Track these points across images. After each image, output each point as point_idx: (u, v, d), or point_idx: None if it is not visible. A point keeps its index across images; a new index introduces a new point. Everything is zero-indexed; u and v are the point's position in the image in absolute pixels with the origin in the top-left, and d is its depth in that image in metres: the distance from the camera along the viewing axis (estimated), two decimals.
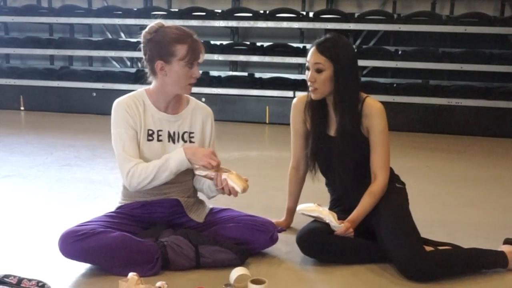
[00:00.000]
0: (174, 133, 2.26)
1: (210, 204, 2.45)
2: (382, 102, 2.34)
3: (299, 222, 2.53)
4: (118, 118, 2.17)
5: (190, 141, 2.28)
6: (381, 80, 6.75)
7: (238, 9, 7.17)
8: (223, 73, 7.29)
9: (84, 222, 2.14)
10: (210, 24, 6.90)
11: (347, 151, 2.32)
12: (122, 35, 7.89)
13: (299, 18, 6.79)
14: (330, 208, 2.42)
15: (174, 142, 2.25)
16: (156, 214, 2.25)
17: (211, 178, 2.16)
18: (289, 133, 2.58)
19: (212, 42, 6.99)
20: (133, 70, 7.41)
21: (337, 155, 2.34)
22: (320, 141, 2.39)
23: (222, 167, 2.15)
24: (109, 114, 2.20)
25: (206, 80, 6.79)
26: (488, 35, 6.43)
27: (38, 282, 1.83)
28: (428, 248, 2.20)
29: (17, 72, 7.43)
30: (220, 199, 2.46)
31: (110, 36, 7.86)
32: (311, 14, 6.86)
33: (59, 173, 3.82)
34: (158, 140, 2.23)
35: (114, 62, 7.92)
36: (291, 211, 2.64)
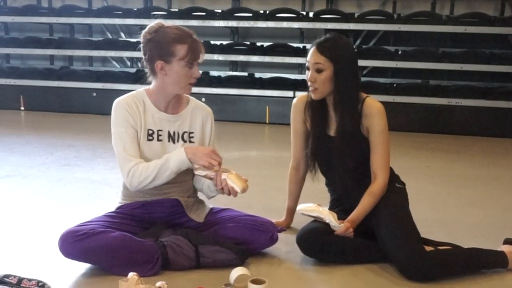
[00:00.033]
0: (174, 133, 2.26)
1: (210, 204, 2.45)
2: (382, 102, 2.34)
3: (299, 222, 2.53)
4: (118, 118, 2.17)
5: (190, 141, 2.28)
6: (381, 80, 6.75)
7: (238, 9, 7.17)
8: (223, 73, 7.30)
9: (84, 222, 2.15)
10: (210, 24, 6.90)
11: (347, 151, 2.32)
12: (122, 35, 7.89)
13: (299, 18, 6.79)
14: (330, 208, 2.43)
15: (174, 142, 2.25)
16: (156, 214, 2.25)
17: (210, 178, 2.16)
18: (289, 133, 2.58)
19: (212, 42, 6.99)
20: (133, 70, 7.41)
21: (337, 155, 2.34)
22: (320, 141, 2.39)
23: (221, 167, 2.15)
24: (109, 114, 2.20)
25: (206, 80, 6.79)
26: (488, 35, 6.43)
27: (38, 282, 1.83)
28: (428, 248, 2.20)
29: (17, 72, 7.43)
30: (220, 199, 2.46)
31: (110, 36, 7.86)
32: (311, 14, 6.87)
33: (59, 173, 3.83)
34: (158, 140, 2.23)
35: (114, 62, 7.93)
36: (291, 211, 2.64)
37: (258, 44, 7.08)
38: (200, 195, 2.43)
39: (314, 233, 2.23)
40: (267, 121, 6.60)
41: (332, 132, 2.37)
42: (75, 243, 2.01)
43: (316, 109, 2.39)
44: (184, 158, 2.11)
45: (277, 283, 2.05)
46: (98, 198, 3.21)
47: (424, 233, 2.30)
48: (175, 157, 2.12)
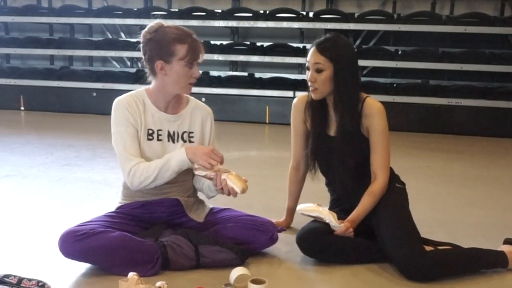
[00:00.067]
0: (173, 132, 2.26)
1: (210, 204, 2.45)
2: (382, 102, 2.35)
3: (299, 222, 2.53)
4: (119, 117, 2.17)
5: (190, 141, 2.28)
6: (381, 80, 6.75)
7: (238, 9, 7.17)
8: (223, 73, 7.30)
9: (84, 222, 2.15)
10: (210, 24, 6.90)
11: (347, 151, 2.33)
12: (122, 35, 7.90)
13: (299, 18, 6.79)
14: (330, 208, 2.43)
15: (173, 142, 2.25)
16: (156, 214, 2.25)
17: (210, 178, 2.16)
18: (289, 133, 2.58)
19: (212, 42, 6.99)
20: (133, 70, 7.42)
21: (337, 155, 2.34)
22: (320, 141, 2.39)
23: (221, 167, 2.15)
24: (109, 114, 2.20)
25: (206, 80, 6.79)
26: (488, 35, 6.43)
27: (38, 282, 1.83)
28: (428, 248, 2.20)
29: (17, 72, 7.43)
30: (220, 199, 2.46)
31: (110, 36, 7.87)
32: (311, 14, 6.87)
33: (59, 173, 3.83)
34: (158, 140, 2.23)
35: (114, 62, 7.93)
36: (291, 211, 2.64)
37: (258, 44, 7.08)
38: (200, 195, 2.43)
39: (314, 233, 2.23)
40: (267, 121, 6.60)
41: (332, 132, 2.38)
42: (75, 243, 2.01)
43: (316, 109, 2.39)
44: (185, 158, 2.11)
45: (277, 283, 2.05)
46: (98, 198, 3.22)
47: (424, 233, 2.30)
48: (176, 157, 2.12)
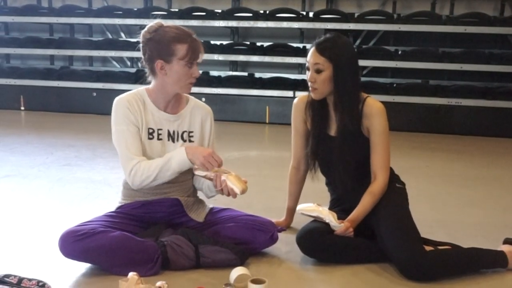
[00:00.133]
0: (173, 132, 2.26)
1: (210, 204, 2.45)
2: (382, 102, 2.35)
3: (299, 222, 2.53)
4: (120, 115, 2.17)
5: (190, 140, 2.28)
6: (381, 80, 6.75)
7: (238, 9, 7.17)
8: (223, 73, 7.30)
9: (84, 222, 2.15)
10: (210, 24, 6.90)
11: (347, 151, 2.33)
12: (122, 35, 7.90)
13: (299, 18, 6.79)
14: (330, 208, 2.43)
15: (173, 141, 2.25)
16: (156, 214, 2.25)
17: (210, 179, 2.16)
18: (289, 133, 2.58)
19: (212, 42, 6.99)
20: (133, 70, 7.42)
21: (337, 155, 2.35)
22: (320, 141, 2.39)
23: (221, 168, 2.16)
24: (110, 114, 2.20)
25: (206, 80, 6.79)
26: (488, 35, 6.44)
27: (39, 281, 1.83)
28: (428, 248, 2.20)
29: (17, 72, 7.43)
30: (220, 199, 2.47)
31: (110, 36, 7.87)
32: (311, 14, 6.87)
33: (59, 173, 3.83)
34: (158, 139, 2.23)
35: (114, 62, 7.93)
36: (291, 211, 2.64)
37: (258, 44, 7.08)
38: (200, 195, 2.43)
39: (314, 233, 2.24)
40: (267, 121, 6.60)
41: (332, 132, 2.38)
42: (75, 243, 2.01)
43: (316, 109, 2.39)
44: (185, 158, 2.11)
45: (277, 283, 2.06)
46: (98, 198, 3.22)
47: (424, 233, 2.30)
48: (177, 157, 2.12)
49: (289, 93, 6.49)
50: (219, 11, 7.04)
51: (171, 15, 6.79)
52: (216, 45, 6.97)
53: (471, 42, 6.58)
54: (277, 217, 2.63)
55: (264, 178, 3.79)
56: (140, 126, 2.20)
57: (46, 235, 2.50)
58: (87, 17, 7.41)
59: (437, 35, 6.72)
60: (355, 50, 2.52)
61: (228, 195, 2.15)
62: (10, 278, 1.81)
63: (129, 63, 7.91)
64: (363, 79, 6.61)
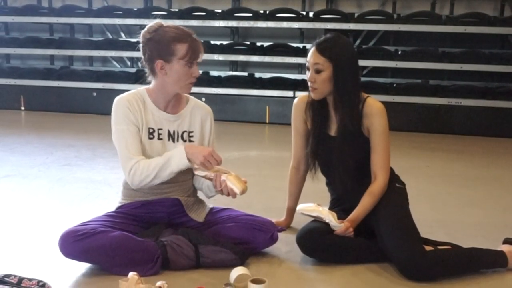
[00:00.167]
0: (174, 132, 2.26)
1: (210, 204, 2.45)
2: (382, 102, 2.35)
3: (299, 222, 2.54)
4: (120, 115, 2.17)
5: (190, 140, 2.29)
6: (381, 80, 6.76)
7: (238, 9, 7.17)
8: (223, 73, 7.30)
9: (84, 222, 2.15)
10: (210, 24, 6.90)
11: (347, 151, 2.33)
12: (122, 35, 7.90)
13: (299, 18, 6.79)
14: (330, 208, 2.43)
15: (174, 141, 2.25)
16: (156, 214, 2.25)
17: (210, 179, 2.16)
18: (289, 133, 2.58)
19: (212, 42, 6.99)
20: (133, 70, 7.42)
21: (338, 155, 2.35)
22: (320, 141, 2.39)
23: (221, 168, 2.16)
24: (110, 114, 2.20)
25: (206, 80, 6.79)
26: (488, 35, 6.43)
27: (39, 281, 1.83)
28: (428, 248, 2.20)
29: (17, 72, 7.43)
30: (220, 199, 2.47)
31: (110, 36, 7.87)
32: (311, 14, 6.87)
33: (59, 173, 3.83)
34: (159, 139, 2.23)
35: (115, 62, 7.93)
36: (291, 211, 2.64)
37: (258, 44, 7.08)
38: (200, 195, 2.43)
39: (314, 233, 2.24)
40: (267, 121, 6.60)
41: (332, 132, 2.38)
42: (75, 243, 2.01)
43: (317, 109, 2.39)
44: (185, 157, 2.11)
45: (277, 283, 2.06)
46: (98, 198, 3.22)
47: (424, 233, 2.30)
48: (176, 156, 2.12)
49: (289, 93, 6.49)
50: (219, 11, 7.04)
51: (171, 15, 6.79)
52: (216, 45, 6.97)
53: (471, 42, 6.58)
54: (277, 217, 2.63)
55: (264, 178, 3.79)
56: (140, 126, 2.20)
57: (46, 235, 2.50)
58: (87, 17, 7.41)
59: (437, 35, 6.72)
60: (355, 50, 2.52)
61: (228, 195, 2.15)
62: (10, 278, 1.81)
63: (129, 63, 7.91)
64: (363, 79, 6.61)
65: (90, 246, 2.01)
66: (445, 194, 3.57)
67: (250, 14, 6.89)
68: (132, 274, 1.83)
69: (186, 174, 2.28)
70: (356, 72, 2.35)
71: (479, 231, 2.77)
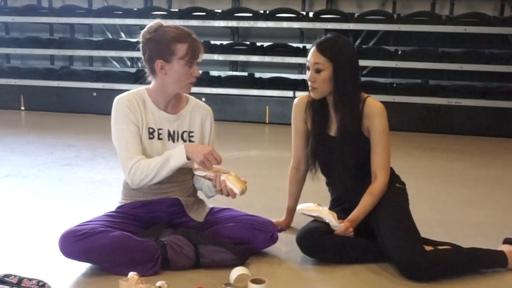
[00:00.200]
0: (174, 132, 2.26)
1: (210, 204, 2.45)
2: (382, 102, 2.35)
3: (299, 222, 2.54)
4: (120, 114, 2.17)
5: (190, 140, 2.29)
6: (381, 80, 6.76)
7: (238, 9, 7.17)
8: (223, 73, 7.30)
9: (85, 222, 2.15)
10: (210, 24, 6.90)
11: (347, 151, 2.33)
12: (122, 35, 7.90)
13: (299, 18, 6.79)
14: (330, 208, 2.43)
15: (174, 141, 2.25)
16: (156, 214, 2.25)
17: (210, 179, 2.16)
18: (289, 133, 2.58)
19: (212, 42, 6.99)
20: (133, 70, 7.43)
21: (338, 155, 2.35)
22: (320, 141, 2.40)
23: (221, 168, 2.16)
24: (110, 114, 2.20)
25: (206, 80, 6.80)
26: (488, 35, 6.44)
27: (39, 281, 1.83)
28: (428, 248, 2.20)
29: (17, 72, 7.43)
30: (220, 199, 2.47)
31: (110, 36, 7.87)
32: (311, 14, 6.87)
33: (59, 172, 3.83)
34: (159, 139, 2.23)
35: (115, 62, 7.93)
36: (291, 211, 2.64)
37: (258, 44, 7.08)
38: (200, 195, 2.43)
39: (314, 233, 2.24)
40: (267, 121, 6.60)
41: (332, 132, 2.38)
42: (76, 243, 2.01)
43: (317, 109, 2.39)
44: (185, 156, 2.11)
45: (277, 282, 2.06)
46: (98, 198, 3.22)
47: (424, 233, 2.30)
48: (176, 155, 2.11)
49: (289, 93, 6.50)
50: (219, 11, 7.04)
51: (171, 15, 6.79)
52: (216, 45, 6.97)
53: (471, 42, 6.58)
54: (277, 217, 2.63)
55: (264, 178, 3.79)
56: (141, 125, 2.20)
57: (46, 235, 2.50)
58: (87, 17, 7.41)
59: (437, 35, 6.72)
60: (356, 50, 2.52)
61: (228, 195, 2.15)
62: (10, 278, 1.81)
63: (129, 63, 7.91)
64: (363, 79, 6.61)
65: (90, 246, 2.01)
66: (445, 194, 3.57)
67: (250, 14, 6.89)
68: (132, 274, 1.83)
69: (186, 174, 2.28)
70: (356, 72, 2.35)
71: (479, 231, 2.77)
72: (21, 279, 1.81)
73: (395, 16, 6.74)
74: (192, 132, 2.30)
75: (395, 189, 2.37)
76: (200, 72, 2.22)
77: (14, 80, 7.28)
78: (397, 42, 6.99)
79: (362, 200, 2.30)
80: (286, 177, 2.64)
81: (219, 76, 7.13)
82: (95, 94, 7.00)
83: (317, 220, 2.27)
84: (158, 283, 1.83)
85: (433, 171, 4.29)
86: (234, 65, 7.53)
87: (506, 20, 6.35)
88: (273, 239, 2.27)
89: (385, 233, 2.20)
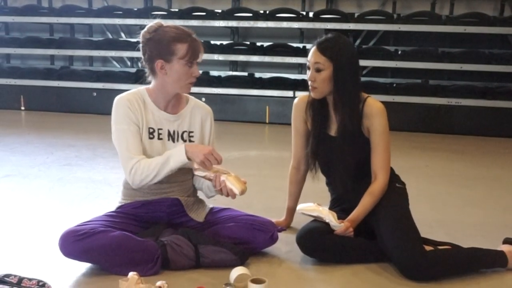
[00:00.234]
0: (174, 132, 2.26)
1: (210, 204, 2.45)
2: (382, 102, 2.35)
3: (299, 222, 2.54)
4: (120, 114, 2.17)
5: (190, 140, 2.29)
6: (381, 80, 6.76)
7: (238, 9, 7.17)
8: (223, 73, 7.30)
9: (85, 222, 2.15)
10: (210, 24, 6.90)
11: (347, 151, 2.33)
12: (123, 35, 7.90)
13: (299, 18, 6.79)
14: (330, 208, 2.43)
15: (174, 141, 2.26)
16: (156, 214, 2.25)
17: (210, 179, 2.16)
18: (289, 133, 2.58)
19: (212, 42, 7.00)
20: (133, 70, 7.43)
21: (338, 155, 2.35)
22: (320, 141, 2.40)
23: (221, 168, 2.16)
24: (110, 114, 2.20)
25: (206, 80, 6.80)
26: (488, 35, 6.44)
27: (39, 281, 1.83)
28: (428, 248, 2.20)
29: (17, 72, 7.43)
30: (220, 199, 2.46)
31: (110, 36, 7.87)
32: (311, 14, 6.87)
33: (59, 172, 3.83)
34: (159, 139, 2.23)
35: (115, 62, 7.93)
36: (291, 211, 2.64)
37: (258, 44, 7.08)
38: (200, 195, 2.43)
39: (314, 233, 2.24)
40: (267, 121, 6.61)
41: (333, 132, 2.38)
42: (76, 243, 2.01)
43: (317, 109, 2.39)
44: (184, 155, 2.11)
45: (277, 282, 2.06)
46: (98, 198, 3.22)
47: (424, 233, 2.30)
48: (176, 155, 2.12)
49: (289, 93, 6.50)
50: (219, 11, 7.04)
51: (171, 15, 6.79)
52: (216, 45, 6.97)
53: (471, 42, 6.58)
54: (277, 217, 2.63)
55: (264, 178, 3.79)
56: (141, 125, 2.20)
57: (46, 235, 2.50)
58: (87, 17, 7.41)
59: (437, 35, 6.72)
60: (356, 50, 2.52)
61: (227, 195, 2.15)
62: (10, 277, 1.81)
63: (129, 63, 7.91)
64: (363, 79, 6.60)
65: (90, 246, 2.01)
66: (445, 194, 3.58)
67: (250, 14, 6.89)
68: (132, 274, 1.83)
69: (186, 174, 2.28)
70: (356, 72, 2.35)
71: (479, 231, 2.77)
72: (21, 279, 1.81)
73: (395, 16, 6.74)
74: (192, 132, 2.30)
75: (395, 189, 2.37)
76: (200, 72, 2.22)
77: (14, 80, 7.28)
78: (397, 42, 6.99)
79: (362, 200, 2.30)
80: (286, 177, 2.64)
81: (219, 76, 7.13)
82: (95, 94, 7.00)
83: (317, 220, 2.27)
84: (158, 283, 1.83)
85: (433, 171, 4.29)
86: (234, 65, 7.53)
87: (506, 20, 6.35)
88: (273, 239, 2.27)
89: (385, 233, 2.20)
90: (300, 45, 7.03)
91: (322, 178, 2.54)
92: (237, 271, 1.96)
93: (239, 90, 6.74)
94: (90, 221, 2.16)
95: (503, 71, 6.28)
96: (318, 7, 7.24)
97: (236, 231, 2.22)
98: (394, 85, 6.64)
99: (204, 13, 6.97)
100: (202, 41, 2.22)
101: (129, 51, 7.06)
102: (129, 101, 2.19)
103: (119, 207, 2.28)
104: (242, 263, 2.13)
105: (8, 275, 1.82)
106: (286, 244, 2.41)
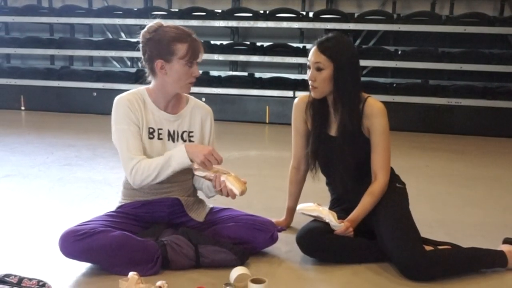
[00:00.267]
0: (174, 132, 2.26)
1: (210, 204, 2.45)
2: (382, 102, 2.35)
3: (299, 222, 2.54)
4: (120, 114, 2.17)
5: (190, 140, 2.29)
6: (381, 80, 6.76)
7: (238, 9, 7.17)
8: (223, 73, 7.30)
9: (85, 222, 2.15)
10: (210, 24, 6.90)
11: (347, 151, 2.33)
12: (123, 35, 7.90)
13: (299, 18, 6.79)
14: (330, 208, 2.43)
15: (174, 141, 2.26)
16: (156, 213, 2.25)
17: (210, 179, 2.16)
18: (289, 132, 2.58)
19: (212, 42, 6.99)
20: (133, 70, 7.42)
21: (338, 155, 2.35)
22: (321, 141, 2.40)
23: (221, 168, 2.16)
24: (110, 114, 2.20)
25: (206, 80, 6.80)
26: (488, 35, 6.44)
27: (39, 281, 1.83)
28: (428, 248, 2.20)
29: (17, 72, 7.43)
30: (220, 199, 2.46)
31: (110, 36, 7.87)
32: (311, 14, 6.87)
33: (59, 172, 3.83)
34: (159, 139, 2.23)
35: (115, 62, 7.93)
36: (291, 211, 2.64)
37: (258, 44, 7.08)
38: (200, 194, 2.43)
39: (314, 233, 2.24)
40: (267, 121, 6.61)
41: (333, 132, 2.38)
42: (76, 243, 2.01)
43: (317, 108, 2.39)
44: (186, 156, 2.11)
45: (277, 282, 2.06)
46: (98, 198, 3.22)
47: (424, 233, 2.31)
48: (177, 156, 2.12)
49: (289, 93, 6.50)
50: (219, 11, 7.04)
51: (171, 15, 6.79)
52: (216, 45, 6.97)
53: (471, 42, 6.58)
54: (277, 217, 2.63)
55: (264, 178, 3.79)
56: (141, 125, 2.20)
57: (46, 235, 2.50)
58: (87, 17, 7.41)
59: (437, 35, 6.72)
60: (356, 50, 2.52)
61: (227, 195, 2.15)
62: (11, 277, 1.81)
63: (129, 63, 7.91)
64: (363, 79, 6.60)
65: (90, 246, 2.01)
66: (445, 194, 3.58)
67: (250, 14, 6.89)
68: (132, 274, 1.83)
69: (187, 174, 2.28)
70: (356, 72, 2.35)
71: (479, 231, 2.77)
72: (21, 279, 1.81)
73: (395, 16, 6.74)
74: (192, 132, 2.30)
75: (395, 189, 2.37)
76: (200, 72, 2.22)
77: (14, 80, 7.28)
78: (397, 42, 6.99)
79: (362, 200, 2.30)
80: (286, 177, 2.64)
81: (219, 76, 7.13)
82: (95, 94, 7.00)
83: (317, 220, 2.27)
84: (158, 283, 1.83)
85: (433, 171, 4.29)
86: (234, 65, 7.53)
87: (506, 20, 6.35)
88: (273, 239, 2.27)
89: (385, 233, 2.20)
90: (300, 45, 7.03)
91: (322, 178, 2.54)
92: (237, 271, 1.96)
93: (239, 90, 6.74)
94: (90, 221, 2.16)
95: (503, 71, 6.28)
96: (318, 7, 7.24)
97: (236, 231, 2.22)
98: (394, 85, 6.64)
99: (204, 13, 6.97)
100: (202, 41, 2.22)
101: (129, 51, 7.06)
102: (129, 101, 2.19)
103: (119, 207, 2.28)
104: (242, 263, 2.13)
105: (8, 275, 1.82)
106: (286, 244, 2.41)
